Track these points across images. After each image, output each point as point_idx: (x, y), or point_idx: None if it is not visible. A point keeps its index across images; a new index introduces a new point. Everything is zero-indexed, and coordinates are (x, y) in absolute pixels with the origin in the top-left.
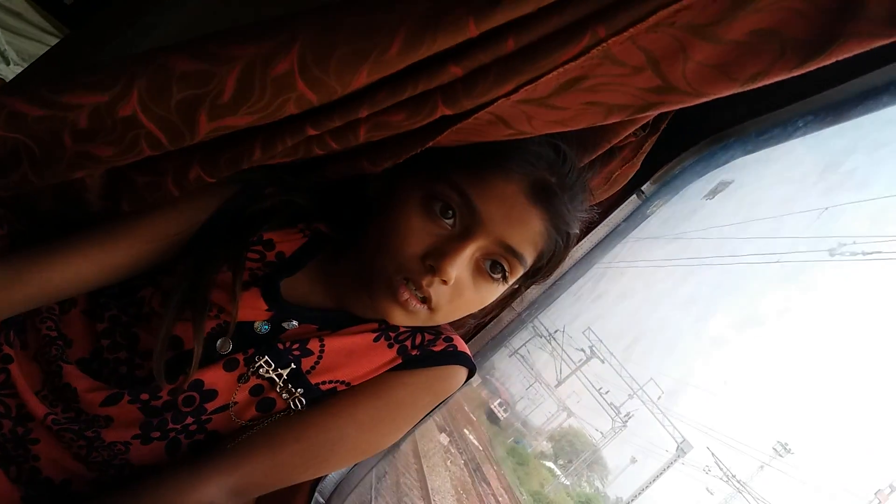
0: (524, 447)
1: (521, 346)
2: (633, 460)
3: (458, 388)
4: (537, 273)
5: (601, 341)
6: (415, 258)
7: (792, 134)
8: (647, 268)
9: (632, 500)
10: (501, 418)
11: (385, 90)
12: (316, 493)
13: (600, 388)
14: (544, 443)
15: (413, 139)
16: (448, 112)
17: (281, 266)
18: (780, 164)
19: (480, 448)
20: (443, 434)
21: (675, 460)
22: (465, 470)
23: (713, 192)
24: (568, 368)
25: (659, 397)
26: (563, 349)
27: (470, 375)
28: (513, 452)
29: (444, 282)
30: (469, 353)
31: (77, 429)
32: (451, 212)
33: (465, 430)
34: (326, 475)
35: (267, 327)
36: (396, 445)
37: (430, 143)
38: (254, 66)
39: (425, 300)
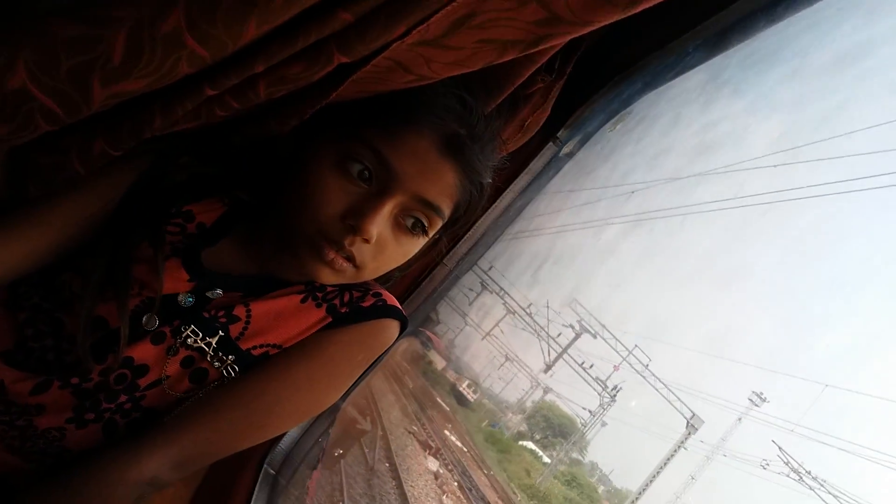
0: (501, 430)
1: (496, 325)
2: (604, 424)
3: (393, 343)
4: (455, 224)
5: (590, 314)
6: (335, 219)
7: (687, 64)
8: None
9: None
10: (472, 399)
11: (278, 42)
12: (265, 465)
13: (583, 363)
14: (519, 421)
15: (315, 93)
16: (345, 60)
17: (202, 236)
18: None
19: (465, 449)
20: (430, 457)
21: (686, 436)
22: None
23: (615, 124)
24: (552, 349)
25: (647, 365)
26: (545, 330)
27: (402, 328)
28: (491, 439)
29: (366, 240)
30: (399, 306)
31: (7, 420)
32: (366, 171)
33: (446, 432)
34: (276, 446)
35: (191, 299)
36: (337, 407)
37: (333, 96)
38: (141, 26)
39: (350, 259)
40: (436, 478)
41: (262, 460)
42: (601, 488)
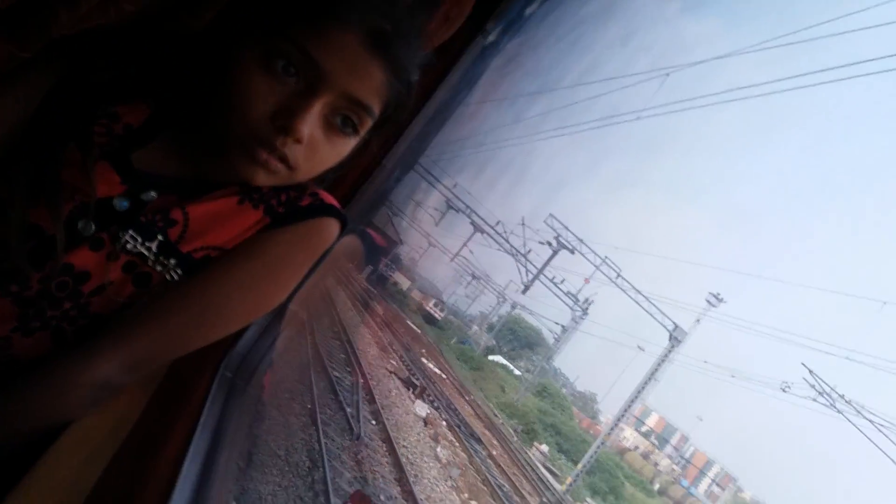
0: (471, 347)
1: (464, 246)
2: (564, 330)
3: (336, 241)
4: (385, 123)
5: (567, 228)
6: (264, 120)
7: None
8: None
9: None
10: (439, 318)
11: None
12: (222, 369)
13: (553, 277)
14: (488, 337)
15: None
16: None
17: (130, 138)
18: None
19: (444, 376)
20: (417, 401)
21: (671, 349)
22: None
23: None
24: (528, 270)
25: (618, 274)
26: (520, 252)
27: (343, 227)
28: (463, 356)
29: (298, 141)
30: (337, 205)
31: None
32: (292, 68)
33: (423, 360)
34: (232, 350)
35: (126, 203)
36: (285, 306)
37: None
38: None
39: (283, 159)
40: (426, 424)
41: (218, 364)
42: (563, 390)
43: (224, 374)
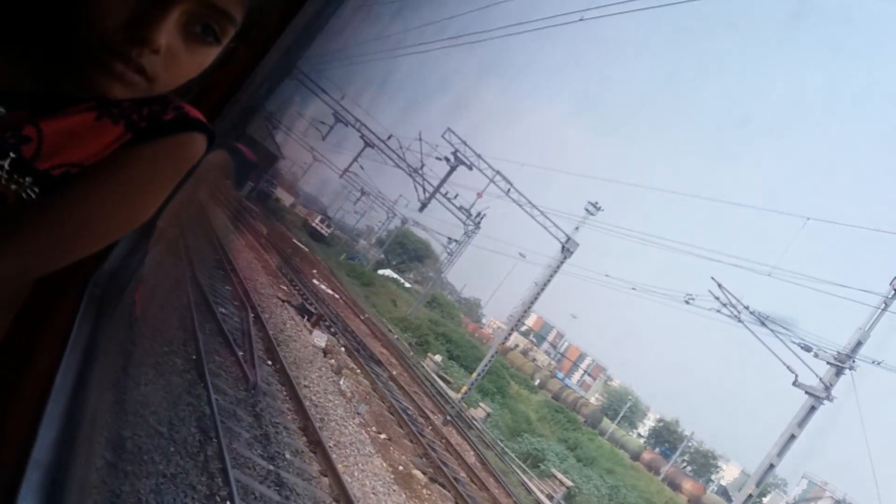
0: (361, 263)
1: (354, 161)
2: (457, 244)
3: (203, 156)
4: (251, 31)
5: (465, 143)
6: (118, 30)
7: None
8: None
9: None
10: (326, 234)
11: None
12: (90, 287)
13: (447, 193)
14: (377, 251)
15: None
16: None
17: None
18: None
19: (337, 296)
20: (315, 331)
21: (563, 260)
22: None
23: None
24: (425, 186)
25: (509, 189)
26: (416, 169)
27: (210, 141)
28: (353, 273)
29: (155, 51)
30: (202, 118)
31: None
32: None
33: (315, 282)
34: (100, 267)
35: None
36: (153, 224)
37: None
38: None
39: (140, 71)
40: (326, 355)
41: (85, 282)
42: (450, 298)
43: (93, 292)
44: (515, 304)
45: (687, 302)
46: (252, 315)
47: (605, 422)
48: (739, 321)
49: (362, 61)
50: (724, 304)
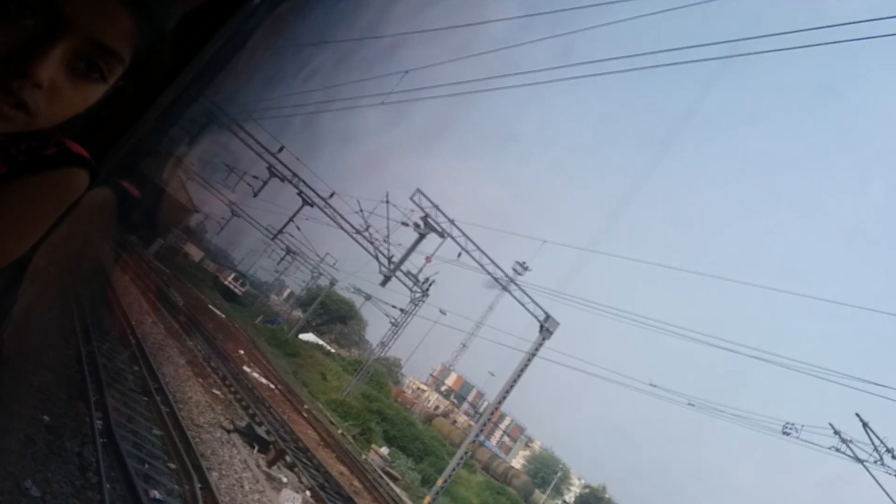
0: (281, 327)
1: (290, 221)
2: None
3: (85, 191)
4: (140, 71)
5: (436, 207)
6: None
7: None
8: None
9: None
10: (239, 293)
11: None
12: None
13: (392, 257)
14: (297, 311)
15: None
16: None
17: None
18: None
19: (273, 386)
20: (285, 490)
21: (542, 341)
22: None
23: None
24: (384, 253)
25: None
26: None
27: (93, 178)
28: (275, 341)
29: (37, 85)
30: (86, 154)
31: None
32: (28, 10)
33: (246, 369)
34: None
35: None
36: (28, 260)
37: None
38: None
39: (20, 105)
40: None
41: None
42: (370, 358)
43: None
44: (435, 363)
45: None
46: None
47: (536, 493)
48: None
49: (305, 113)
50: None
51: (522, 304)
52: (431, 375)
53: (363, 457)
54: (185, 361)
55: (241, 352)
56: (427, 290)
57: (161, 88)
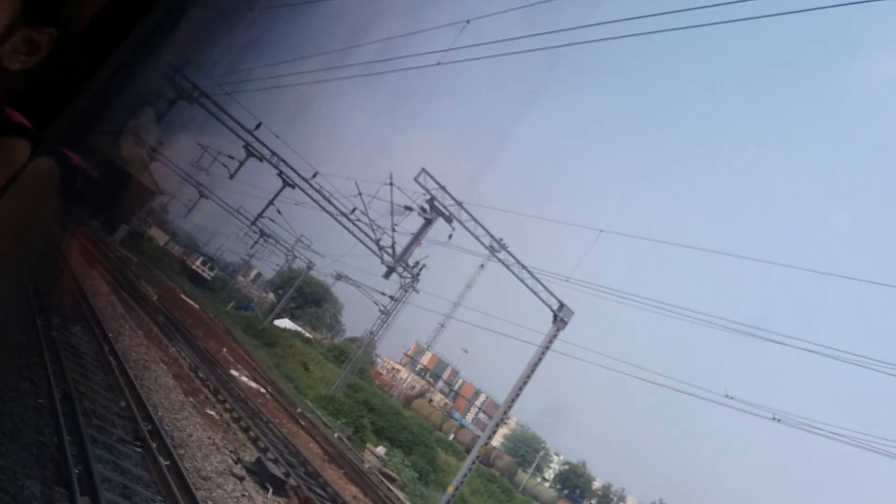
0: (256, 314)
1: (270, 204)
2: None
3: (27, 162)
4: (84, 37)
5: (443, 188)
6: None
7: None
8: None
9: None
10: (209, 278)
11: None
12: None
13: (380, 240)
14: (270, 295)
15: None
16: None
17: None
18: None
19: (262, 389)
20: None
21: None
22: None
23: None
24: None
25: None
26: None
27: (35, 148)
28: (250, 329)
29: None
30: (27, 123)
31: None
32: None
33: (234, 373)
34: None
35: None
36: None
37: None
38: None
39: None
40: None
41: None
42: (341, 339)
43: None
44: (408, 341)
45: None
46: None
47: (520, 473)
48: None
49: (288, 85)
50: None
51: (535, 293)
52: (405, 354)
53: (366, 465)
54: (173, 377)
55: (225, 350)
56: (418, 275)
57: (106, 55)
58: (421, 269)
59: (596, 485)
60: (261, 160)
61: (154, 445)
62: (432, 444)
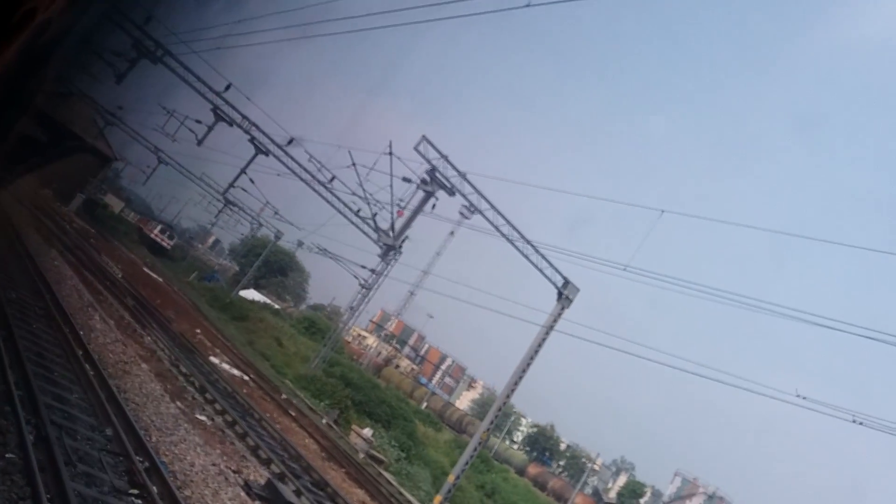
0: (221, 286)
1: (244, 171)
2: (300, 246)
3: None
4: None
5: (445, 158)
6: None
7: None
8: None
9: None
10: (168, 247)
11: None
12: None
13: (359, 210)
14: (224, 257)
15: None
16: None
17: None
18: None
19: (245, 377)
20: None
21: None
22: None
23: None
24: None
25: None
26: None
27: None
28: (217, 302)
29: None
30: None
31: None
32: None
33: (214, 360)
34: None
35: None
36: None
37: None
38: None
39: None
40: None
41: None
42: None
43: None
44: (373, 308)
45: None
46: None
47: (492, 439)
48: None
49: (260, 42)
50: None
51: (540, 270)
52: (371, 321)
53: (361, 457)
54: (156, 377)
55: (199, 333)
56: (401, 246)
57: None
58: (404, 241)
59: (563, 446)
60: (231, 125)
61: (155, 490)
62: (411, 417)
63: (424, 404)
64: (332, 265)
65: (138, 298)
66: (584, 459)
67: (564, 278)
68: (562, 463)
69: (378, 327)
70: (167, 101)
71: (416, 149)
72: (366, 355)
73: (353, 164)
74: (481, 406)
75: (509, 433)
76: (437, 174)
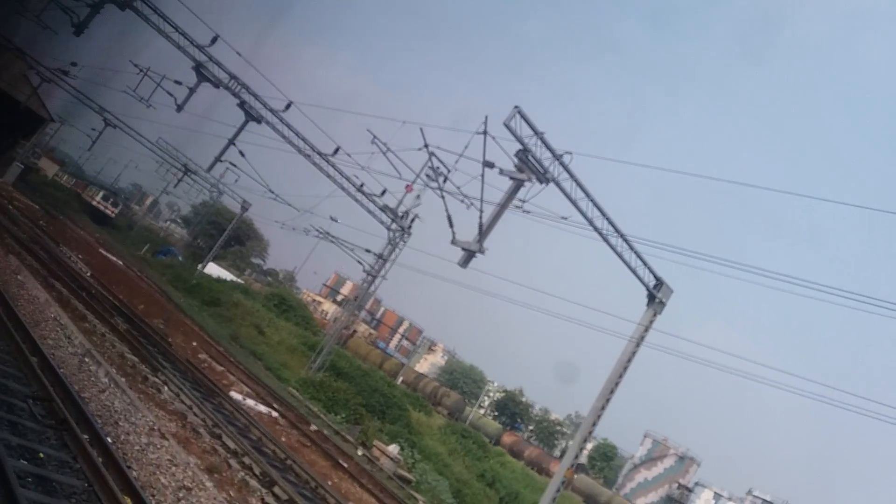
0: (177, 258)
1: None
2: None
3: None
4: None
5: (540, 136)
6: None
7: None
8: None
9: None
10: (113, 216)
11: None
12: None
13: (362, 185)
14: (183, 231)
15: None
16: None
17: None
18: None
19: (272, 412)
20: None
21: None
22: None
23: None
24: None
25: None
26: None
27: None
28: (183, 284)
29: None
30: None
31: None
32: None
33: (237, 396)
34: None
35: None
36: None
37: None
38: None
39: None
40: None
41: None
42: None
43: None
44: (329, 272)
45: None
46: None
47: (466, 409)
48: None
49: None
50: None
51: (632, 270)
52: (325, 285)
53: (389, 477)
54: (206, 471)
55: (202, 354)
56: (409, 227)
57: None
58: (413, 221)
59: (535, 411)
60: (217, 87)
61: None
62: (404, 404)
63: (400, 378)
64: (282, 231)
65: (124, 313)
66: (555, 424)
67: (657, 278)
68: (531, 427)
69: (332, 291)
70: (141, 59)
71: (505, 124)
72: (329, 325)
73: (375, 139)
74: (449, 374)
75: (476, 397)
76: (531, 157)
